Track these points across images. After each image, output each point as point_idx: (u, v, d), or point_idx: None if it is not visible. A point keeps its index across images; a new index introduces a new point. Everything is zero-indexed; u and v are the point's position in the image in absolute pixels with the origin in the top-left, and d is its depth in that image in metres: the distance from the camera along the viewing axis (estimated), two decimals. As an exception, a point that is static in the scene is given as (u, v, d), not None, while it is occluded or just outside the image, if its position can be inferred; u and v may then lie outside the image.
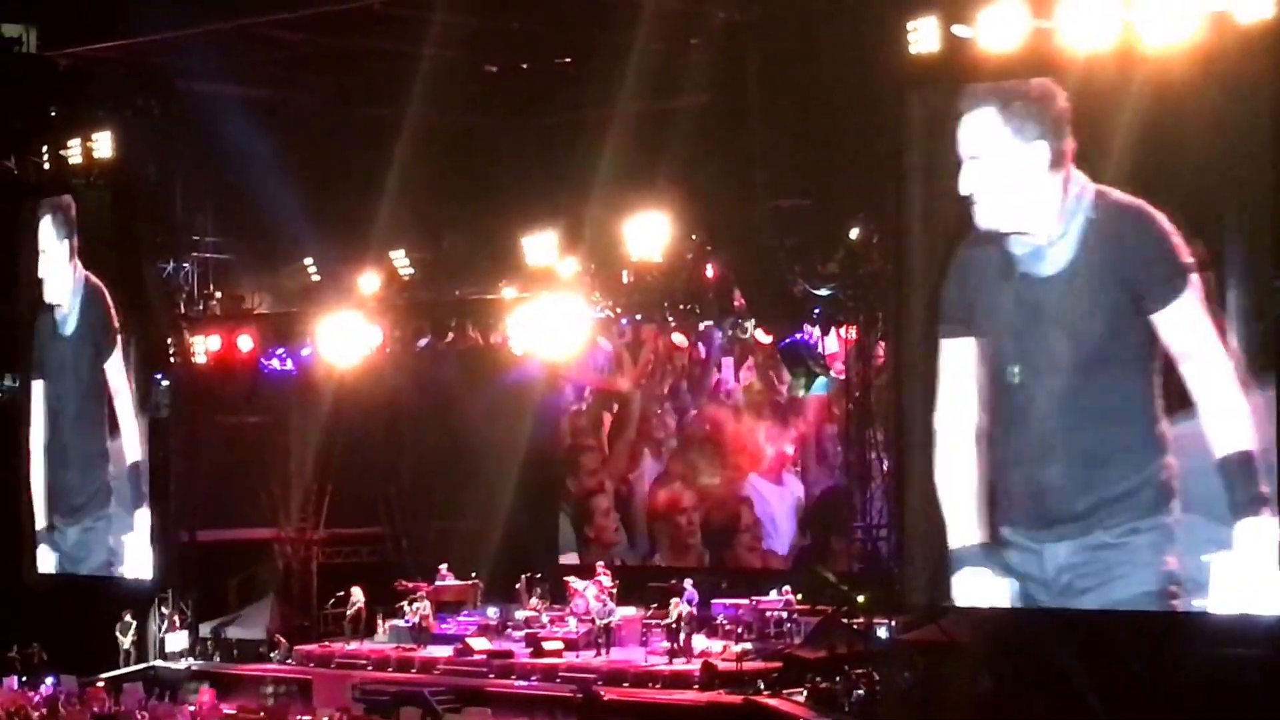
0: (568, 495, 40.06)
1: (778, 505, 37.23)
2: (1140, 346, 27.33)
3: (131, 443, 39.28)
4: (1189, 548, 27.03)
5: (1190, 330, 26.93)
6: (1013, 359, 28.55)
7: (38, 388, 41.21)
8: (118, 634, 37.79)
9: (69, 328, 40.50)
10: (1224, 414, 26.79)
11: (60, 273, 40.47)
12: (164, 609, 38.23)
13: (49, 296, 40.73)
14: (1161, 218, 26.99)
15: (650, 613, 34.99)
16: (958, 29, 28.28)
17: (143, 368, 39.27)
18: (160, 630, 38.07)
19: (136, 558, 39.01)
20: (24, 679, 35.65)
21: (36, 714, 32.65)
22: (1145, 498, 27.33)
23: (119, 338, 39.39)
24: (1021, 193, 28.14)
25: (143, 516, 38.92)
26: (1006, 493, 28.62)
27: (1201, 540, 26.92)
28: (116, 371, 39.54)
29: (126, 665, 37.48)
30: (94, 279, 39.81)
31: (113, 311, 39.44)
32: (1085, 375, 27.89)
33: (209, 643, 37.92)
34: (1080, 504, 27.83)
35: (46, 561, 40.80)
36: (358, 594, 37.01)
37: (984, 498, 28.75)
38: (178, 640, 37.96)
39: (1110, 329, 27.65)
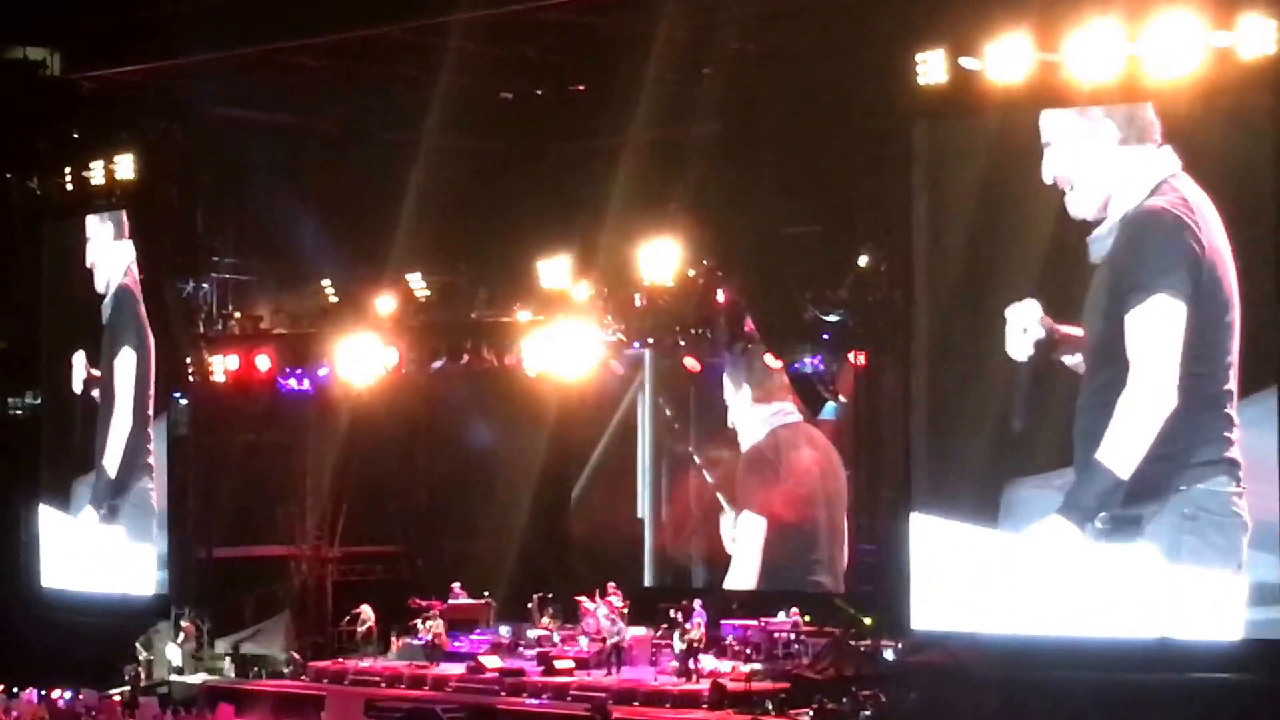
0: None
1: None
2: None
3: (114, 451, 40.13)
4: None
5: (1146, 341, 27.59)
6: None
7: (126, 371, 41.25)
8: (138, 648, 38.00)
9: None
10: (1133, 436, 27.70)
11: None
12: (180, 625, 38.37)
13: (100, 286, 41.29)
14: (1189, 226, 27.29)
15: (661, 633, 35.12)
16: (965, 61, 28.71)
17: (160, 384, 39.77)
18: (177, 646, 38.29)
19: (154, 574, 39.58)
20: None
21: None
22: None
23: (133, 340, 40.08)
24: (1101, 174, 28.29)
25: (158, 533, 39.48)
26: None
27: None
28: (125, 370, 40.12)
29: (142, 680, 37.71)
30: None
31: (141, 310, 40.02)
32: (1096, 367, 28.57)
33: (225, 658, 38.08)
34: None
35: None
36: (368, 611, 37.13)
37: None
38: (193, 656, 38.13)
39: (1106, 325, 28.21)
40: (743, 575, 37.89)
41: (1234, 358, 27.25)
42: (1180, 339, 27.52)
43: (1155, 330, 27.68)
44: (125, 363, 40.40)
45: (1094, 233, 28.31)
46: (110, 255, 40.74)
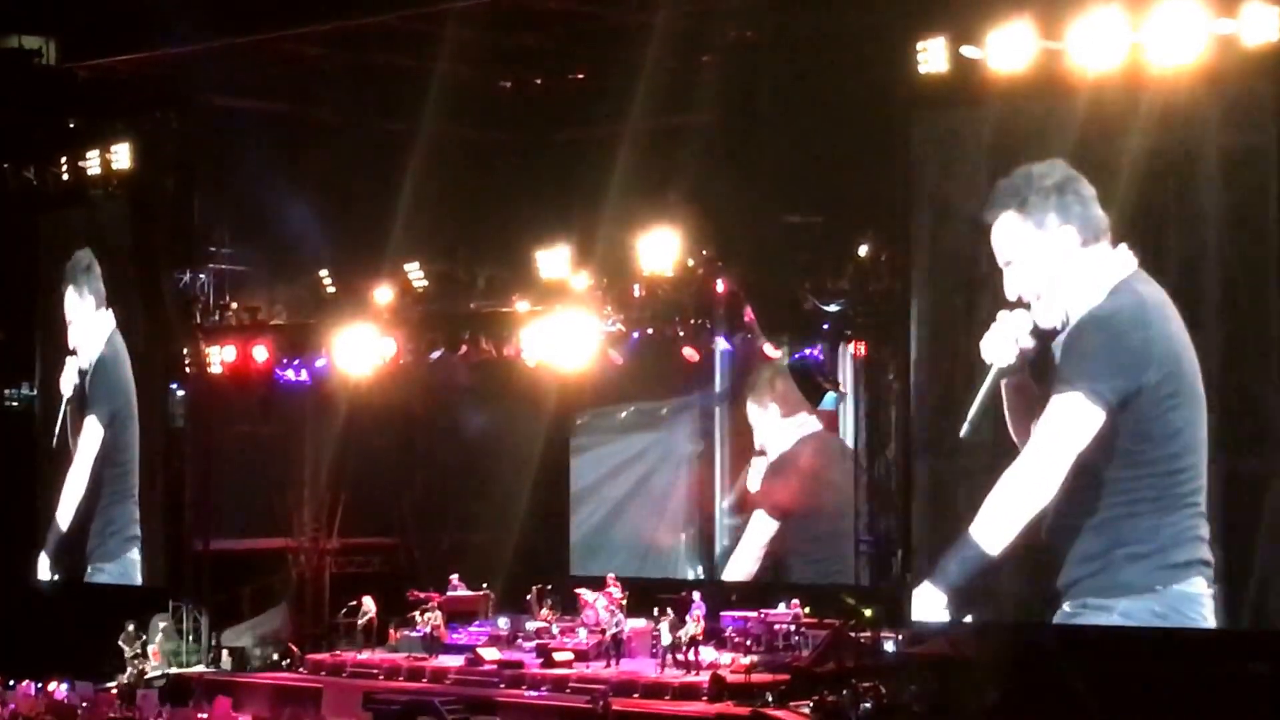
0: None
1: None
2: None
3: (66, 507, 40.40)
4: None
5: (1047, 430, 28.05)
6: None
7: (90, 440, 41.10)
8: (121, 644, 37.80)
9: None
10: (1004, 516, 28.48)
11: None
12: (178, 617, 38.34)
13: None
14: (1139, 330, 27.41)
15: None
16: (967, 50, 28.56)
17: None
18: (174, 638, 38.18)
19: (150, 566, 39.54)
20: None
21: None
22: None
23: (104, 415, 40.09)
24: (1063, 282, 28.26)
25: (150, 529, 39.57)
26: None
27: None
28: (90, 439, 40.20)
29: (141, 673, 37.62)
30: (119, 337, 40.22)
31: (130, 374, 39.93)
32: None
33: (223, 650, 38.04)
34: None
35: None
36: (369, 603, 36.94)
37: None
38: (191, 648, 38.11)
39: None
40: (740, 568, 38.05)
41: (1203, 453, 27.04)
42: (1082, 442, 27.78)
43: (1060, 423, 28.01)
44: (91, 431, 40.43)
45: (1057, 339, 28.32)
46: (92, 332, 40.60)
